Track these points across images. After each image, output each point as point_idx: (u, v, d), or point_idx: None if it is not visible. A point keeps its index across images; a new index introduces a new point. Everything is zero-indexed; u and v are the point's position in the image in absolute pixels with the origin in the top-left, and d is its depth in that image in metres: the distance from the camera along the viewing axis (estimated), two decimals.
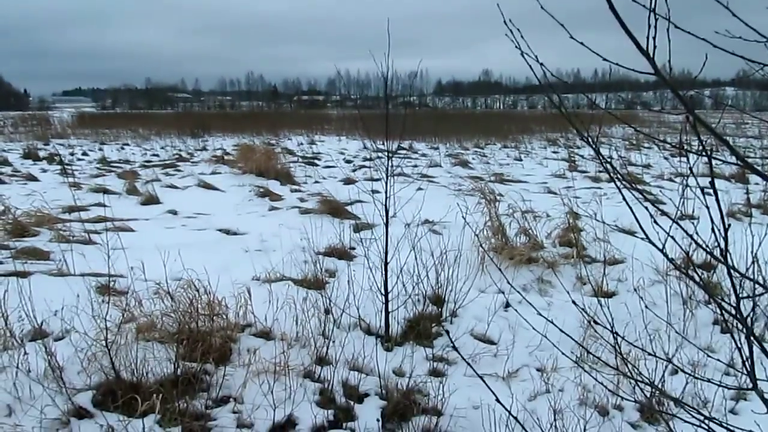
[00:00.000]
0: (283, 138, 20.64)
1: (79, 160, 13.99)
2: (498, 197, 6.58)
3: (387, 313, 3.76)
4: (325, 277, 4.67)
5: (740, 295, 1.38)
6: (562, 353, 2.17)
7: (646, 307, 3.28)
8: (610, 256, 5.26)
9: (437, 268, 4.20)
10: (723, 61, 1.62)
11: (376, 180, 8.65)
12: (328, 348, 3.41)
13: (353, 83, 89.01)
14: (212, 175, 10.80)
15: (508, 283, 2.49)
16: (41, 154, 14.31)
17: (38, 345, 3.04)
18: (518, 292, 2.58)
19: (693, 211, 6.14)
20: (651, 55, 1.23)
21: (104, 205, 6.86)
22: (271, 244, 5.68)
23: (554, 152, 16.70)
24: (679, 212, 3.18)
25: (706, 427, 1.48)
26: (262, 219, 7.18)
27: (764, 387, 1.43)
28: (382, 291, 3.74)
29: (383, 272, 3.77)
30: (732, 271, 1.37)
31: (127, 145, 18.51)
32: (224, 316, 3.50)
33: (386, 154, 3.90)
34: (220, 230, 6.47)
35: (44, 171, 11.50)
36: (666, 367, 2.97)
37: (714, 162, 1.27)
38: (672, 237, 1.49)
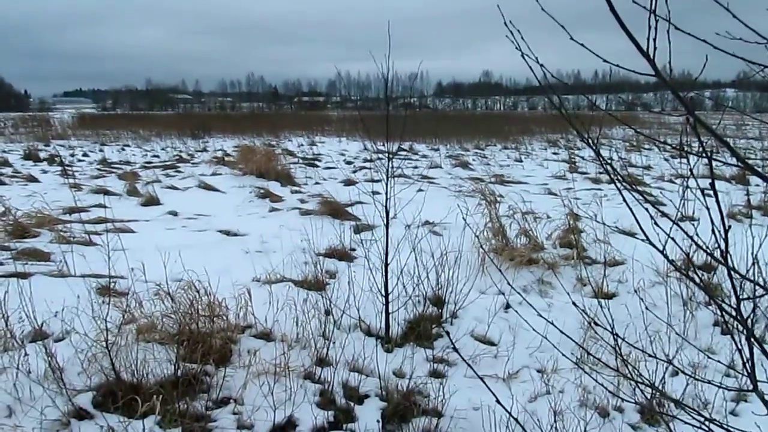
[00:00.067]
0: (283, 139, 20.65)
1: (79, 161, 14.01)
2: (498, 198, 6.58)
3: (387, 314, 3.75)
4: (325, 278, 4.67)
5: (740, 297, 1.38)
6: (563, 354, 2.17)
7: (647, 308, 3.28)
8: (610, 257, 5.26)
9: (437, 269, 4.20)
10: (723, 62, 1.62)
11: (377, 181, 8.67)
12: (328, 349, 3.41)
13: (354, 84, 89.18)
14: (213, 176, 10.80)
15: (509, 284, 2.49)
16: (42, 155, 14.32)
17: (38, 346, 3.04)
18: (518, 293, 2.58)
19: (693, 213, 6.13)
20: (651, 57, 1.23)
21: (105, 206, 6.86)
22: (271, 246, 5.68)
23: (555, 153, 16.71)
24: (679, 213, 3.18)
25: (707, 429, 1.48)
26: (263, 220, 7.19)
27: (765, 388, 1.43)
28: (383, 292, 3.74)
29: (383, 273, 3.77)
30: (732, 272, 1.37)
31: (128, 146, 18.53)
32: (225, 318, 3.50)
33: (386, 155, 3.90)
34: (220, 231, 6.47)
35: (45, 172, 11.51)
36: (666, 368, 2.97)
37: (714, 163, 1.27)
38: (672, 238, 1.49)
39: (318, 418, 2.84)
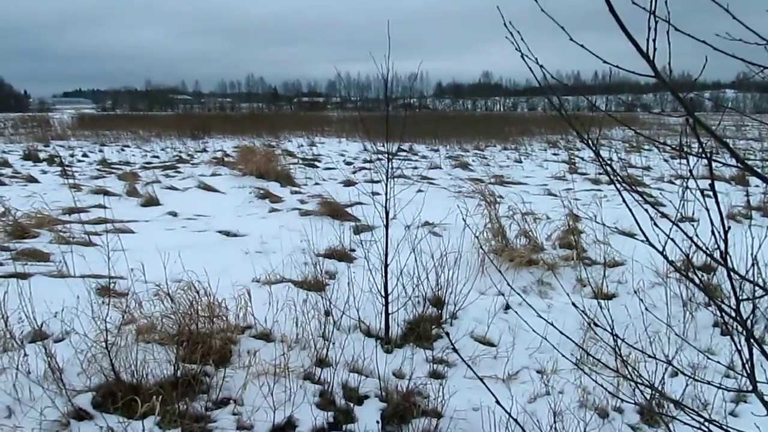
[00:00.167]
0: (283, 140, 20.65)
1: (79, 161, 14.01)
2: (498, 199, 6.58)
3: (387, 315, 3.75)
4: (325, 278, 4.67)
5: (740, 298, 1.38)
6: (562, 355, 2.17)
7: (646, 309, 3.28)
8: (610, 258, 5.26)
9: (437, 270, 4.20)
10: (723, 63, 1.62)
11: (377, 182, 8.66)
12: (328, 350, 3.41)
13: (353, 85, 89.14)
14: (212, 176, 10.80)
15: (508, 285, 2.49)
16: (41, 155, 14.31)
17: (38, 346, 3.03)
18: (518, 294, 2.58)
19: (693, 214, 6.13)
20: (651, 58, 1.23)
21: (104, 207, 6.86)
22: (271, 246, 5.68)
23: (554, 154, 16.72)
24: (679, 214, 3.18)
25: (706, 430, 1.48)
26: (262, 221, 7.19)
27: (764, 389, 1.43)
28: (382, 293, 3.74)
29: (383, 274, 3.77)
30: (732, 273, 1.37)
31: (128, 146, 18.53)
32: (224, 318, 3.50)
33: (386, 156, 3.90)
34: (220, 232, 6.47)
35: (44, 172, 11.50)
36: (666, 369, 2.97)
37: (714, 164, 1.27)
38: (672, 239, 1.50)
39: (318, 418, 2.84)
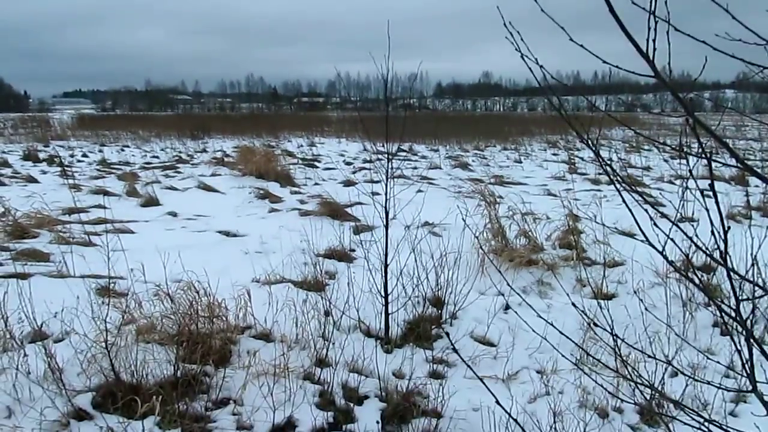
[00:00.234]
0: (283, 140, 20.66)
1: (79, 161, 14.01)
2: (498, 199, 6.58)
3: (387, 315, 3.75)
4: (324, 279, 4.67)
5: (740, 298, 1.38)
6: (562, 355, 2.17)
7: (646, 309, 3.28)
8: (609, 258, 5.26)
9: (437, 270, 4.20)
10: (723, 63, 1.62)
11: (376, 182, 8.66)
12: (327, 350, 3.41)
13: (353, 85, 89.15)
14: (212, 177, 10.80)
15: (508, 285, 2.49)
16: (41, 155, 14.31)
17: (38, 347, 3.03)
18: (518, 294, 2.58)
19: (693, 214, 6.13)
20: (651, 58, 1.23)
21: (104, 207, 6.86)
22: (270, 246, 5.68)
23: (554, 154, 16.72)
24: (678, 214, 3.18)
25: (706, 430, 1.48)
26: (262, 221, 7.19)
27: (764, 389, 1.43)
28: (382, 293, 3.74)
29: (383, 274, 3.77)
30: (732, 273, 1.37)
31: (127, 146, 18.53)
32: (224, 318, 3.50)
33: (386, 156, 3.90)
34: (219, 232, 6.47)
35: (44, 173, 11.50)
36: (666, 369, 2.97)
37: (714, 164, 1.27)
38: (672, 239, 1.50)
39: (317, 418, 2.84)
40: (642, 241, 1.54)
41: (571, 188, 9.63)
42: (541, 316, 1.99)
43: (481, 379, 1.89)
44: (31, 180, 10.29)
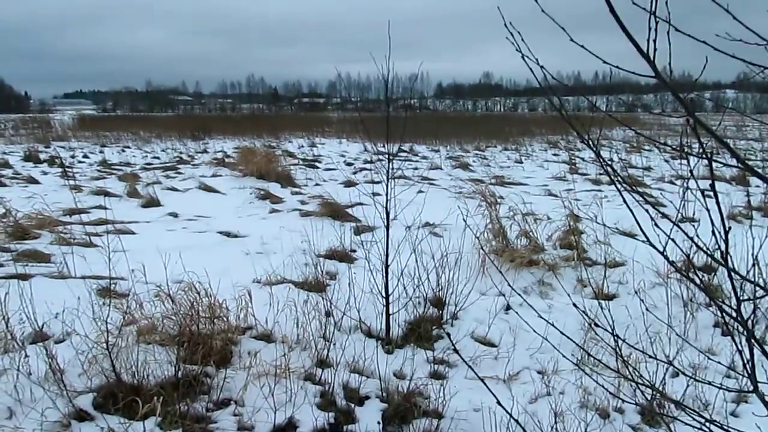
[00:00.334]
0: (283, 141, 20.66)
1: (79, 162, 14.02)
2: (498, 200, 6.58)
3: (388, 315, 3.75)
4: (325, 279, 4.67)
5: (741, 298, 1.38)
6: (563, 356, 2.17)
7: (647, 309, 3.28)
8: (610, 258, 5.26)
9: (438, 270, 4.20)
10: (723, 63, 1.62)
11: (377, 182, 8.67)
12: (328, 350, 3.41)
13: (354, 86, 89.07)
14: (213, 177, 10.80)
15: (509, 285, 2.49)
16: (42, 156, 14.33)
17: (39, 347, 3.04)
18: (519, 294, 2.58)
19: (693, 214, 6.13)
20: (651, 58, 1.23)
21: (105, 208, 6.87)
22: (271, 247, 5.68)
23: (555, 155, 16.72)
24: (679, 215, 3.18)
25: (707, 430, 1.48)
26: (263, 221, 7.19)
27: (765, 389, 1.43)
28: (383, 293, 3.74)
29: (384, 275, 3.77)
30: (732, 273, 1.37)
31: (128, 147, 18.54)
32: (225, 319, 3.50)
33: (387, 156, 3.91)
34: (220, 233, 6.47)
35: (45, 173, 11.51)
36: (667, 369, 2.97)
37: (714, 164, 1.27)
38: (673, 239, 1.50)
39: (318, 419, 2.84)
40: (643, 241, 1.54)
41: (572, 188, 9.63)
42: (542, 317, 1.99)
43: (482, 380, 1.89)
44: (32, 181, 10.30)
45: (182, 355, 3.15)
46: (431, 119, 27.75)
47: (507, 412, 1.81)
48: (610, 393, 2.40)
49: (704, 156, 1.28)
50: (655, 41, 1.22)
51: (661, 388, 2.88)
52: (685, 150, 1.46)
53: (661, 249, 1.51)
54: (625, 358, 1.89)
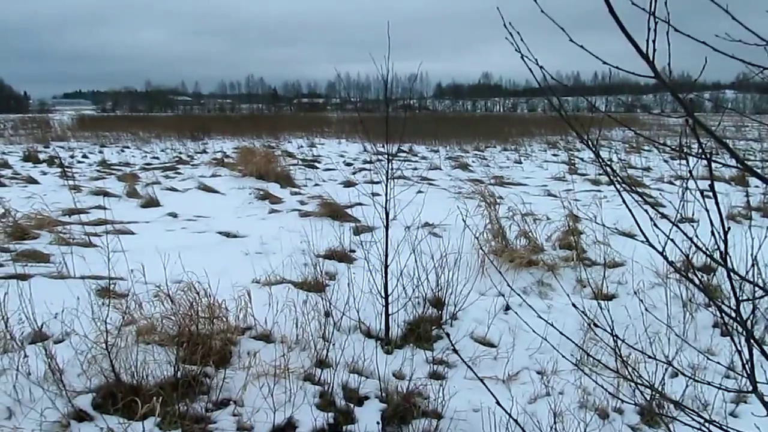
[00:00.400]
0: (283, 141, 20.66)
1: (79, 162, 14.01)
2: (498, 200, 6.58)
3: (387, 315, 3.75)
4: (325, 279, 4.67)
5: (740, 298, 1.38)
6: (563, 356, 2.17)
7: (646, 309, 3.28)
8: (610, 258, 5.26)
9: (437, 270, 4.20)
10: (723, 64, 1.62)
11: (376, 183, 8.66)
12: (328, 351, 3.41)
13: (353, 86, 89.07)
14: (212, 177, 10.80)
15: (509, 285, 2.49)
16: (41, 156, 14.32)
17: (38, 348, 3.03)
18: (518, 294, 2.58)
19: (693, 214, 6.13)
20: (651, 58, 1.23)
21: (104, 208, 6.87)
22: (271, 247, 5.68)
23: (554, 155, 16.72)
24: (679, 215, 3.18)
25: (706, 430, 1.48)
26: (262, 222, 7.19)
27: (764, 390, 1.43)
28: (382, 294, 3.74)
29: (383, 275, 3.77)
30: (732, 274, 1.37)
31: (127, 147, 18.54)
32: (224, 319, 3.50)
33: (386, 156, 3.91)
34: (220, 233, 6.47)
35: (44, 174, 11.51)
36: (666, 370, 2.97)
37: (714, 165, 1.27)
38: (672, 240, 1.50)
39: (318, 419, 2.84)
40: (642, 241, 1.54)
41: (571, 189, 9.63)
42: (541, 317, 1.99)
43: (481, 380, 1.89)
44: (32, 181, 10.29)
45: (181, 356, 3.15)
46: (430, 119, 27.77)
47: (506, 412, 1.81)
48: (610, 393, 2.40)
49: (703, 156, 1.28)
50: (654, 41, 1.22)
51: (660, 389, 2.88)
52: (685, 150, 1.46)
53: (661, 249, 1.51)
54: (625, 359, 1.89)
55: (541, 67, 1.46)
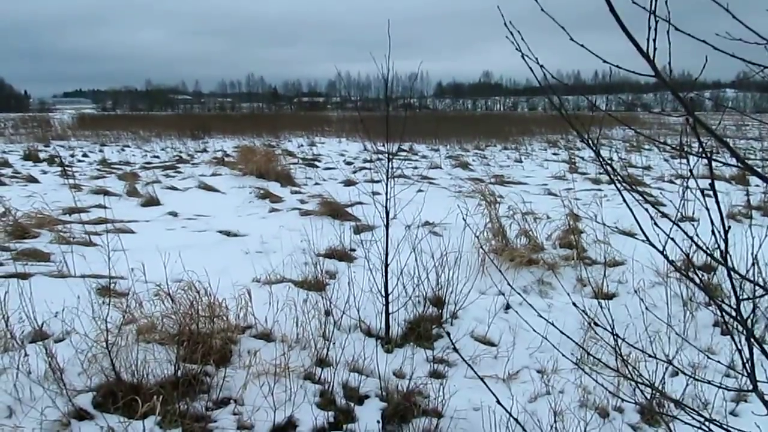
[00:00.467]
0: (283, 140, 20.66)
1: (79, 161, 14.01)
2: (498, 199, 6.58)
3: (387, 314, 3.76)
4: (325, 278, 4.67)
5: (740, 297, 1.38)
6: (563, 355, 2.17)
7: (647, 308, 3.28)
8: (610, 257, 5.26)
9: (437, 269, 4.20)
10: (723, 63, 1.62)
11: (377, 182, 8.67)
12: (328, 349, 3.41)
13: (353, 85, 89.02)
14: (212, 176, 10.80)
15: (509, 284, 2.49)
16: (42, 155, 14.32)
17: (39, 346, 3.04)
18: (518, 293, 2.58)
19: (693, 213, 6.14)
20: (651, 57, 1.23)
21: (105, 207, 6.86)
22: (271, 246, 5.68)
23: (554, 154, 16.72)
24: (679, 214, 3.18)
25: (707, 429, 1.48)
26: (263, 221, 7.19)
27: (764, 389, 1.43)
28: (383, 293, 3.74)
29: (383, 274, 3.77)
30: (732, 272, 1.37)
31: (128, 146, 18.53)
32: (225, 318, 3.50)
33: (386, 155, 3.90)
34: (220, 232, 6.47)
35: (45, 173, 11.50)
36: (666, 368, 2.97)
37: (714, 164, 1.27)
38: (672, 239, 1.50)
39: (318, 418, 2.84)
40: (642, 240, 1.54)
41: (572, 188, 9.63)
42: (541, 316, 1.99)
43: (481, 379, 1.90)
44: (32, 180, 10.29)
45: (182, 354, 3.15)
46: (431, 118, 27.76)
47: (506, 411, 1.81)
48: (610, 392, 2.40)
49: (704, 155, 1.28)
50: (654, 40, 1.22)
51: (660, 388, 2.88)
52: (685, 149, 1.46)
53: (661, 248, 1.51)
54: (625, 358, 1.89)
55: (541, 66, 1.46)
